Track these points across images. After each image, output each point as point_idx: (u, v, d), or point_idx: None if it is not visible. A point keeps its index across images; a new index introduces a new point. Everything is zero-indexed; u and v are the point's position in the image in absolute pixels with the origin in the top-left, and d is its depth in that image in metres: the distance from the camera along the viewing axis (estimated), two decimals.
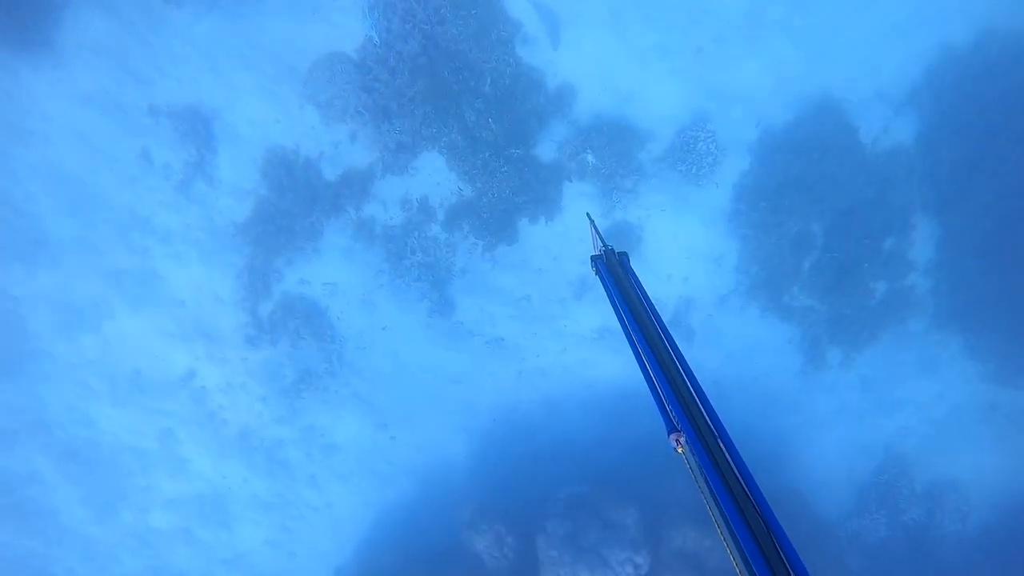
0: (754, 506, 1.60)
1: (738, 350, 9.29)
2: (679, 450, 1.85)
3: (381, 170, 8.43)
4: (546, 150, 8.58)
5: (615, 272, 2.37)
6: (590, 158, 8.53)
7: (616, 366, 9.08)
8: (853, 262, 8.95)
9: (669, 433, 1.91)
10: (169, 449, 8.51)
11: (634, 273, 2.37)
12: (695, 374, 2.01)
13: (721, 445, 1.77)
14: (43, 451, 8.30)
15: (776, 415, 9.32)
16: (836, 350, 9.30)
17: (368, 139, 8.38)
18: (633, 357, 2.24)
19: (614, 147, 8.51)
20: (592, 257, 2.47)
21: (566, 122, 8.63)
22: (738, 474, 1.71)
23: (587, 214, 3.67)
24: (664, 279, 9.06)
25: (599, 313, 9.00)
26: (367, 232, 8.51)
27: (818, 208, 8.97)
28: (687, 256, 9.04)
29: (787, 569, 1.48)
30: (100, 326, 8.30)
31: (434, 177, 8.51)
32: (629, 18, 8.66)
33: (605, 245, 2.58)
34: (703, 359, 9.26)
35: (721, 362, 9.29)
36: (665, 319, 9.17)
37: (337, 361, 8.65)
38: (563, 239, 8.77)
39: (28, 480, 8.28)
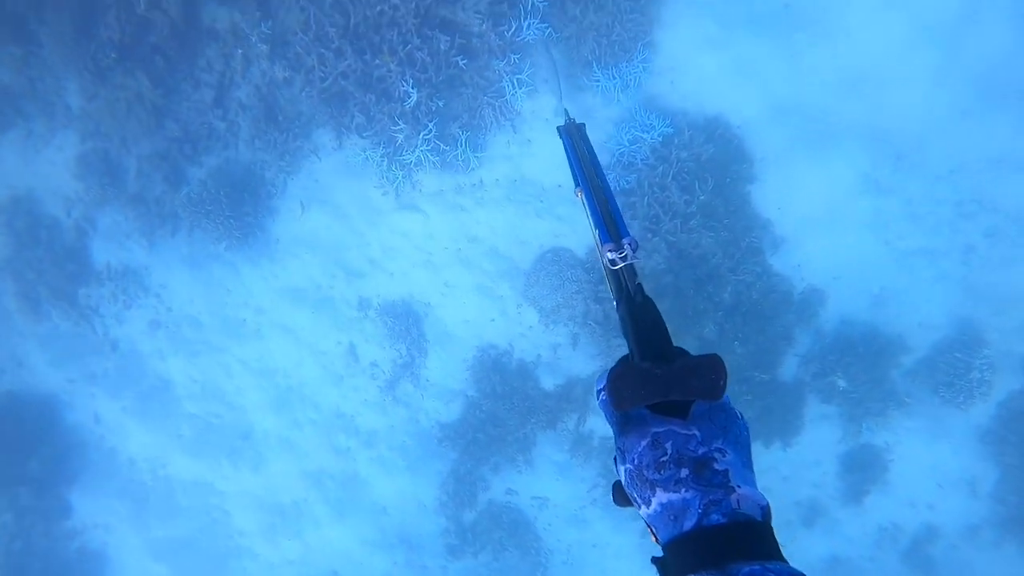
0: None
1: None
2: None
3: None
4: (788, 367, 7.63)
5: (574, 137, 2.90)
6: (840, 382, 7.52)
7: None
8: None
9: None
10: None
11: (589, 141, 2.88)
12: None
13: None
14: None
15: None
16: None
17: (592, 346, 7.64)
18: None
19: (868, 372, 7.47)
20: (558, 128, 2.98)
21: (810, 331, 7.64)
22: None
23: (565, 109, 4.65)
24: (906, 505, 8.01)
25: (842, 531, 8.04)
26: (585, 446, 7.81)
27: None
28: (935, 481, 7.95)
29: None
30: (302, 530, 7.97)
31: None
32: (893, 216, 7.54)
33: (569, 117, 3.22)
34: None
35: None
36: (902, 547, 7.97)
37: None
38: (798, 464, 7.83)
39: None
